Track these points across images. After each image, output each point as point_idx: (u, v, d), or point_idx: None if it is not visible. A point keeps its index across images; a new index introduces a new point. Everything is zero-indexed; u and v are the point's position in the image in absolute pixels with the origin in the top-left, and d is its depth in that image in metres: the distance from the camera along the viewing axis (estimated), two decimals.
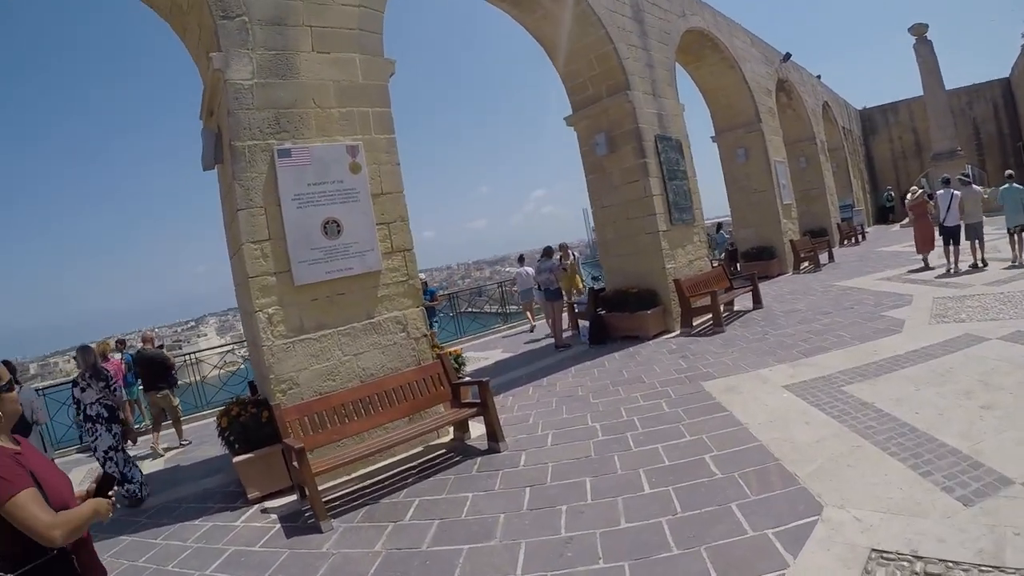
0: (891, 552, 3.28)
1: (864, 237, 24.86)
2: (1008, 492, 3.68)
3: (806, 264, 17.24)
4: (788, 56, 21.42)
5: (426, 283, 12.76)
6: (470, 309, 19.66)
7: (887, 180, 38.28)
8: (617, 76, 11.29)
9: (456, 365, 7.12)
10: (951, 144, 26.85)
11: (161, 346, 10.98)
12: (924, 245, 13.38)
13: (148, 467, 8.29)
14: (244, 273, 6.04)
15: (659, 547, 3.79)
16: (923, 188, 15.70)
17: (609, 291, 12.12)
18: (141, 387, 9.89)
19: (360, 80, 6.86)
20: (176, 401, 9.64)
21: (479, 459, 6.05)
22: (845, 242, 23.41)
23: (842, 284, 13.29)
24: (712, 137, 18.34)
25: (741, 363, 8.13)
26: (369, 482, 5.85)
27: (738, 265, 17.96)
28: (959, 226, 11.97)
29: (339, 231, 6.43)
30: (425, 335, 6.91)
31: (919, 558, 3.18)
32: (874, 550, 3.33)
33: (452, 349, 7.52)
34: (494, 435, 6.12)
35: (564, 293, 12.88)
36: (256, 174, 6.07)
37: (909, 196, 14.14)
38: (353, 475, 6.04)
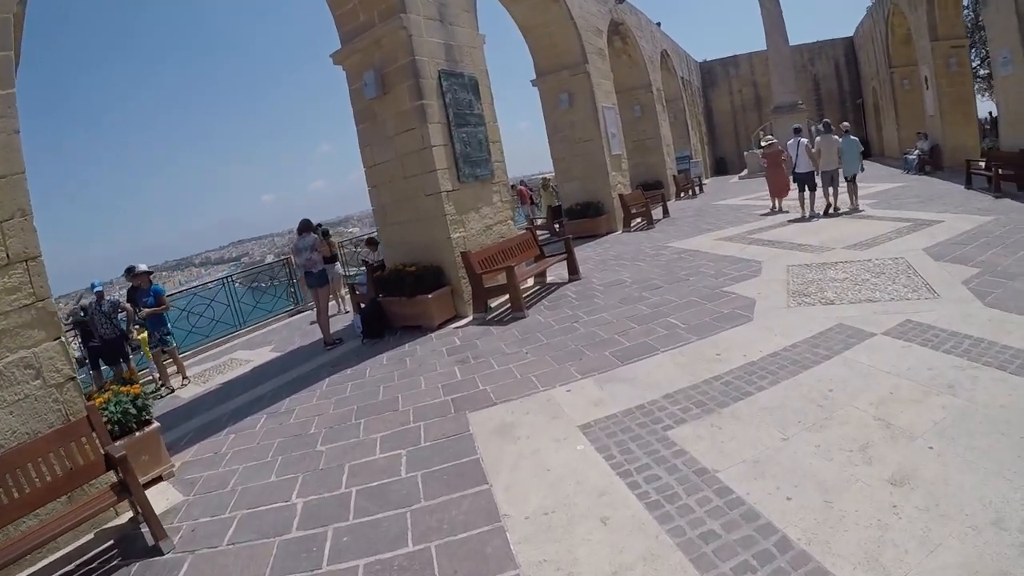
0: None
1: (702, 189, 24.88)
2: None
3: (638, 221, 15.86)
4: None
5: (150, 279, 10.09)
6: (261, 285, 17.32)
7: (726, 132, 40.80)
8: None
9: (134, 410, 5.46)
10: (792, 97, 28.15)
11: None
12: (779, 192, 14.44)
13: None
14: None
15: None
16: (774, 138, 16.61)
17: (388, 269, 9.89)
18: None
19: None
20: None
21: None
22: (682, 195, 23.18)
23: (677, 246, 11.85)
24: (532, 80, 16.93)
25: (533, 374, 6.04)
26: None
27: (559, 224, 16.14)
28: (812, 172, 12.73)
29: None
30: (72, 378, 5.07)
31: None
32: None
33: (133, 389, 5.71)
34: (154, 530, 4.41)
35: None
36: None
37: (764, 145, 15.16)
38: None
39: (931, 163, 18.75)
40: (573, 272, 10.27)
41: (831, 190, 12.62)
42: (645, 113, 22.87)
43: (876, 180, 18.25)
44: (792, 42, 30.16)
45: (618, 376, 5.42)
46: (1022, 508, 2.92)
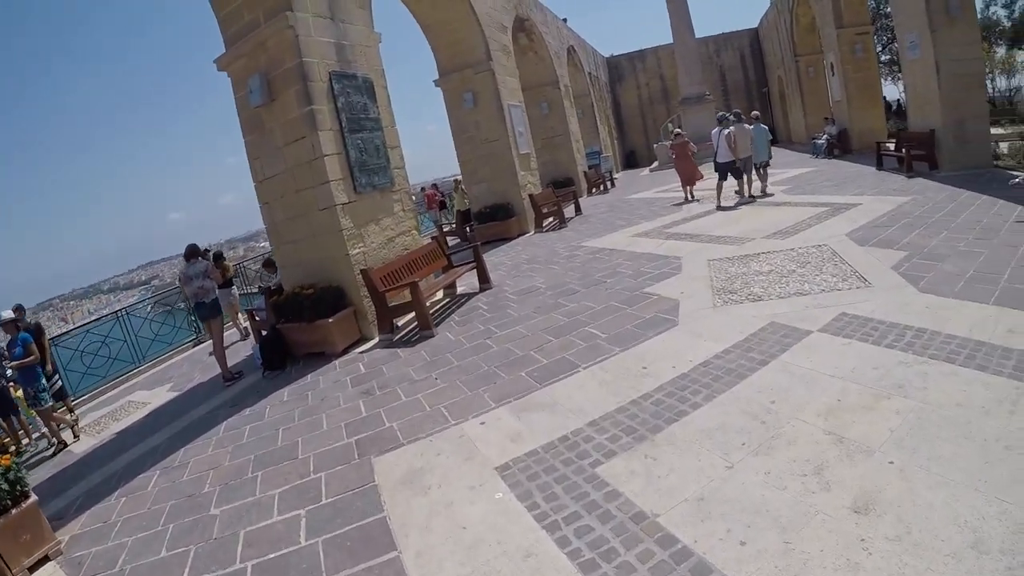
0: None
1: (613, 184, 24.95)
2: None
3: (550, 220, 15.45)
4: None
5: (17, 323, 8.70)
6: (179, 306, 15.77)
7: (635, 126, 41.72)
8: None
9: (7, 486, 4.75)
10: (699, 89, 28.75)
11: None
12: (689, 181, 14.83)
13: None
14: None
15: None
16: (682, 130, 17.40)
17: (285, 293, 9.11)
18: None
19: None
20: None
21: None
22: (593, 191, 23.06)
23: (591, 245, 11.49)
24: (435, 81, 16.36)
25: (444, 404, 5.44)
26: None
27: (469, 229, 15.60)
28: (732, 161, 12.81)
29: None
30: None
31: None
32: None
33: (3, 460, 4.95)
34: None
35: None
36: None
37: (672, 138, 15.64)
38: None
39: (839, 147, 19.33)
40: (484, 281, 9.75)
41: (746, 178, 12.96)
42: (553, 110, 22.76)
43: (787, 166, 18.61)
44: (698, 35, 31.00)
45: (536, 402, 4.88)
46: (1000, 524, 2.61)
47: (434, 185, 27.49)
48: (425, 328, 7.93)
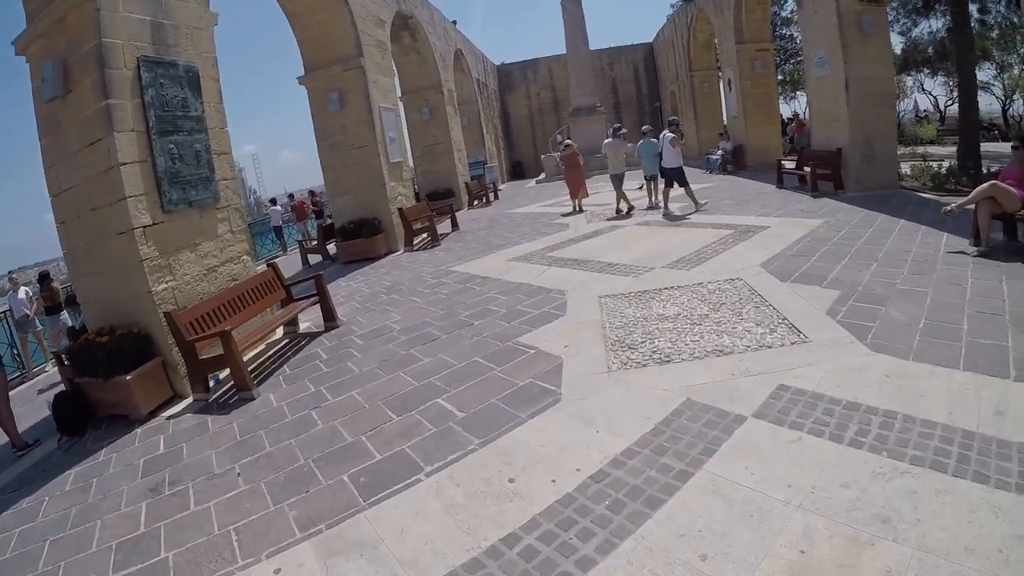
0: None
1: (497, 196, 23.46)
2: None
3: (423, 237, 13.75)
4: None
5: None
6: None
7: (523, 136, 40.82)
8: None
9: None
10: (591, 100, 28.32)
11: None
12: (577, 192, 14.92)
13: None
14: None
15: None
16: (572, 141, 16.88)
17: (80, 339, 7.11)
18: None
19: None
20: None
21: None
22: (475, 203, 21.48)
23: (463, 270, 9.99)
24: (300, 78, 14.59)
25: (236, 526, 3.84)
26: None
27: (334, 245, 13.93)
28: (680, 168, 12.56)
29: None
30: None
31: None
32: None
33: None
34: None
35: None
36: None
37: (563, 148, 15.67)
38: None
39: (734, 163, 18.99)
40: (329, 318, 8.02)
41: (619, 194, 13.15)
42: (435, 116, 21.36)
43: None
44: (592, 47, 30.69)
45: (355, 536, 3.27)
46: None
47: (311, 192, 25.48)
48: (243, 388, 6.14)
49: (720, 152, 19.44)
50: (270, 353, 7.37)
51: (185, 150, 7.08)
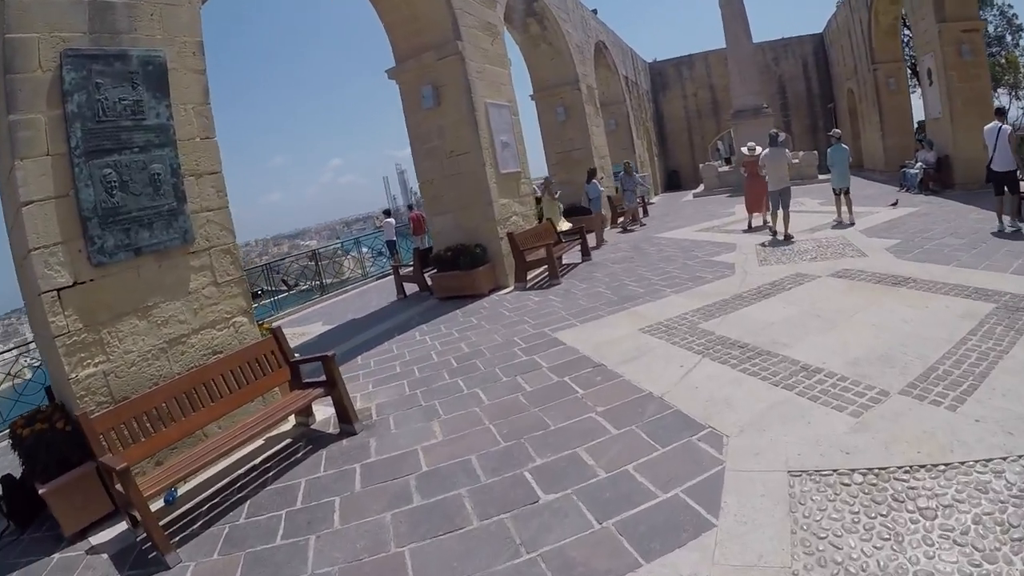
0: None
1: (646, 212, 20.26)
2: None
3: (539, 272, 11.11)
4: None
5: None
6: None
7: (679, 143, 37.30)
8: None
9: None
10: (756, 100, 24.42)
11: None
12: (754, 206, 13.47)
13: None
14: None
15: None
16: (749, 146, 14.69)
17: None
18: None
19: None
20: None
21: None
22: (619, 220, 17.95)
23: (570, 341, 7.04)
24: (388, 71, 12.42)
25: None
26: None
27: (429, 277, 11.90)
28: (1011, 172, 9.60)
29: None
30: None
31: None
32: None
33: None
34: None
35: None
36: None
37: (744, 153, 14.21)
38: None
39: (937, 179, 14.91)
40: (345, 419, 5.60)
41: (782, 214, 11.61)
42: (571, 116, 19.01)
43: (870, 201, 14.38)
44: (755, 40, 26.94)
45: None
46: None
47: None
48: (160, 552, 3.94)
49: (920, 164, 15.39)
50: (242, 471, 5.16)
51: (134, 174, 5.06)
